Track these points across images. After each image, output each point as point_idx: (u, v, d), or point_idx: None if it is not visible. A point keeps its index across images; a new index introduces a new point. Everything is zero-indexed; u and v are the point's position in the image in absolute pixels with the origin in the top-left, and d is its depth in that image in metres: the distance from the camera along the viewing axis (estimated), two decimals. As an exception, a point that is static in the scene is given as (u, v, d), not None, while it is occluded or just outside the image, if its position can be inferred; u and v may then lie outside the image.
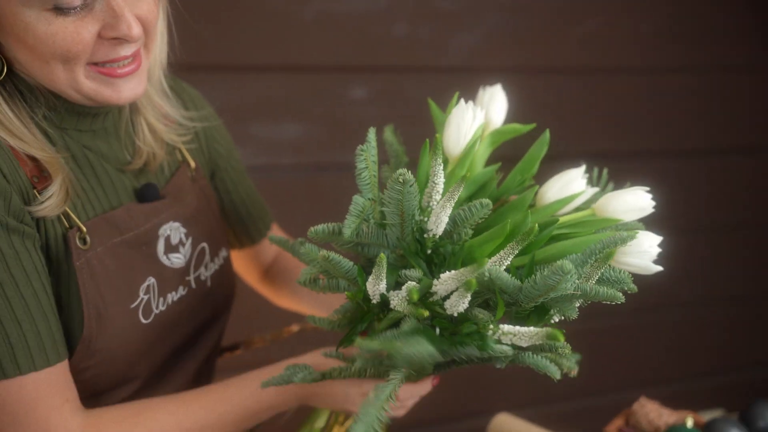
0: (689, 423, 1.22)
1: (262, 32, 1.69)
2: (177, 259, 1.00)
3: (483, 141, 0.95)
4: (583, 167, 0.92)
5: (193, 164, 1.08)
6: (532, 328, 0.77)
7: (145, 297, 0.95)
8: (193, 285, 1.02)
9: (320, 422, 1.01)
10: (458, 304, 0.77)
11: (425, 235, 0.83)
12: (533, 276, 0.78)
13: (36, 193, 0.86)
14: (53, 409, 0.85)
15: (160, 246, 0.98)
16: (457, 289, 0.76)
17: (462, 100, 0.93)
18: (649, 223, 0.92)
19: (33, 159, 0.87)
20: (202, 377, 1.09)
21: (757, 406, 1.25)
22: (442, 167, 0.82)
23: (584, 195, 0.92)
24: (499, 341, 0.78)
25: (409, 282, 0.79)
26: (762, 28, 2.32)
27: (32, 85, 0.89)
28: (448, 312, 0.78)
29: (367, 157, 0.82)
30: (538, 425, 1.25)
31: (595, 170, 1.00)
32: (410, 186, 0.80)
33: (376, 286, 0.80)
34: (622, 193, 0.87)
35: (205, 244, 1.05)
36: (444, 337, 0.79)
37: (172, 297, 0.99)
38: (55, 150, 0.89)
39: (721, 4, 2.24)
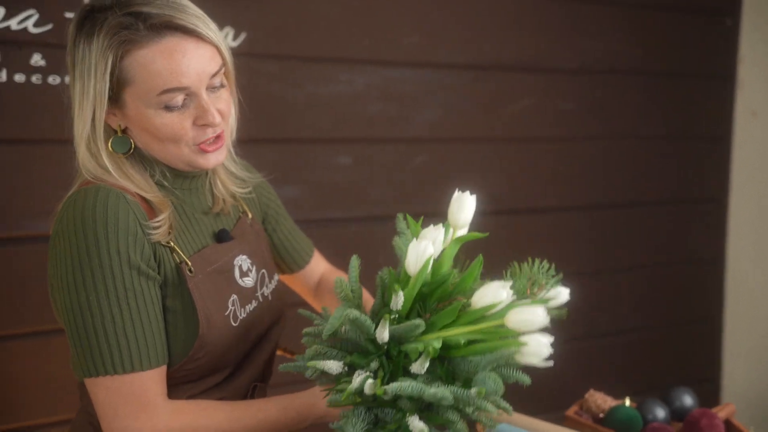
0: (627, 403, 1.51)
1: (264, 112, 1.96)
2: (248, 281, 1.28)
3: (451, 243, 1.11)
4: (504, 282, 1.03)
5: (250, 215, 1.39)
6: (416, 423, 0.97)
7: (232, 308, 1.22)
8: (260, 299, 1.31)
9: None
10: (389, 395, 0.99)
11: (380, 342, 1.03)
12: (417, 394, 0.96)
13: (150, 224, 1.15)
14: (152, 397, 1.12)
15: (236, 273, 1.26)
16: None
17: (415, 240, 1.06)
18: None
19: (147, 202, 1.17)
20: (267, 367, 1.37)
21: (673, 391, 1.57)
22: (401, 293, 1.03)
23: (505, 300, 1.03)
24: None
25: (358, 379, 1.00)
26: (655, 104, 2.65)
27: (151, 159, 1.21)
28: (387, 398, 1.00)
29: (344, 288, 1.08)
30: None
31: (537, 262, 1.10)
32: (360, 319, 1.01)
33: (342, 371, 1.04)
34: (522, 310, 0.98)
35: (264, 270, 1.34)
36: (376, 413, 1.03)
37: (249, 308, 1.27)
38: (163, 195, 1.19)
39: (619, 85, 2.56)
